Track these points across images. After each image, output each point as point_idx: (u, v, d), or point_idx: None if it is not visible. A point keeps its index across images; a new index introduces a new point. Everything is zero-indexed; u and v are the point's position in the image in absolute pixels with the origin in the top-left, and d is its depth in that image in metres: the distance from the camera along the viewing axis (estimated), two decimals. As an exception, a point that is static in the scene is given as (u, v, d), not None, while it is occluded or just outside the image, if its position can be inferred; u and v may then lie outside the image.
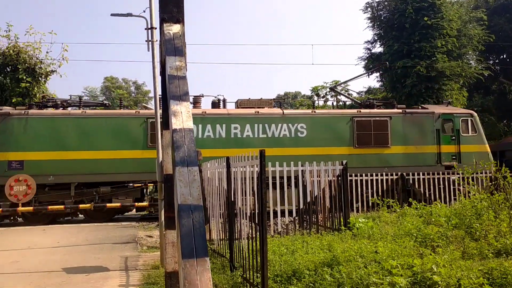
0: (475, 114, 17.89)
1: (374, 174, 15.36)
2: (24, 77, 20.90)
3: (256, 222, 5.91)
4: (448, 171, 16.11)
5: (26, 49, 21.57)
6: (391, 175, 15.45)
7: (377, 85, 34.01)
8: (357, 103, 19.03)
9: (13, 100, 20.23)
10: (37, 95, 20.32)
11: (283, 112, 16.37)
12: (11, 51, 21.19)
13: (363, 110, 17.17)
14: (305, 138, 16.20)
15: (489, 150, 17.37)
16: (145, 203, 14.93)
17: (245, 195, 6.73)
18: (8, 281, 7.31)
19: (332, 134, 16.40)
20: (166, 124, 5.54)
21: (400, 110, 17.24)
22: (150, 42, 9.21)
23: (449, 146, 17.08)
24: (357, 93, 37.58)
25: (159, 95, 7.59)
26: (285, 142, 16.02)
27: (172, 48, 4.61)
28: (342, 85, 20.44)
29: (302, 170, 11.08)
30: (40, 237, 12.03)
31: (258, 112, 16.23)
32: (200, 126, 15.63)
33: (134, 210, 16.22)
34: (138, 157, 15.05)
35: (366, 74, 20.26)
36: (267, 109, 16.65)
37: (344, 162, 10.63)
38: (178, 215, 3.37)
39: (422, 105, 18.45)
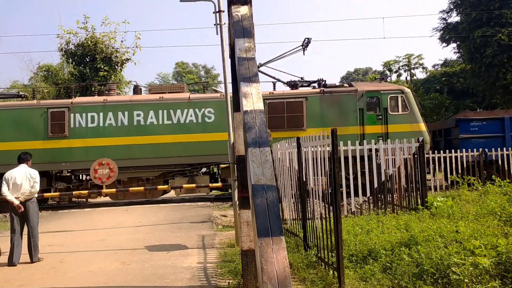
0: (408, 90, 16.13)
1: (453, 151, 14.62)
2: (102, 66, 22.11)
3: (329, 202, 5.87)
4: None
5: (102, 39, 22.76)
6: (472, 151, 14.60)
7: (454, 56, 32.20)
8: (289, 84, 17.06)
9: (92, 89, 21.52)
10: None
11: (189, 97, 15.78)
12: (89, 42, 22.43)
13: (275, 92, 16.16)
14: (213, 123, 15.52)
15: (424, 128, 15.68)
16: (218, 184, 15.30)
17: (317, 175, 6.68)
18: (97, 257, 7.87)
19: None
20: (237, 106, 5.62)
21: (318, 90, 16.03)
22: (218, 26, 9.29)
23: (375, 126, 15.67)
24: (432, 66, 35.72)
25: (230, 82, 7.63)
26: (191, 128, 15.50)
27: (241, 30, 4.63)
28: (270, 63, 17.30)
29: (376, 149, 10.84)
30: (123, 217, 12.78)
31: (162, 97, 15.77)
32: (101, 114, 15.46)
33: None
34: (39, 147, 15.08)
35: (300, 49, 17.31)
36: (172, 94, 16.07)
37: (421, 139, 10.25)
38: (252, 195, 3.42)
39: (350, 83, 16.84)
